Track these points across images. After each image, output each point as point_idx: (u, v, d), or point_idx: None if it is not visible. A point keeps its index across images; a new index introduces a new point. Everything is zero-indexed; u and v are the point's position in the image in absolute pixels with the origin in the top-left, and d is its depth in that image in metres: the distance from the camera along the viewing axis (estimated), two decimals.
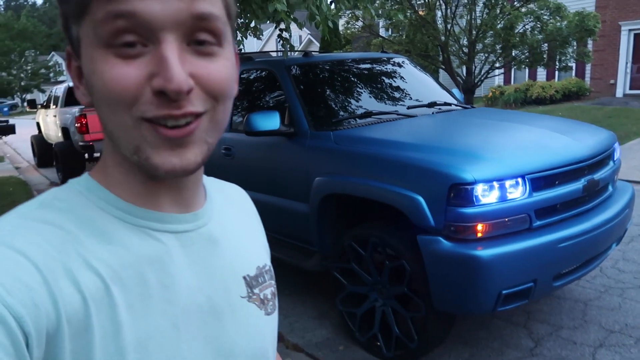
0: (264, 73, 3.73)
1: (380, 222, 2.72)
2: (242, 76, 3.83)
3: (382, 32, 13.93)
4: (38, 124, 11.27)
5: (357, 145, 2.80)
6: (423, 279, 2.44)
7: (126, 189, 0.55)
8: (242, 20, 4.63)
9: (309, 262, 3.14)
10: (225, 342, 0.57)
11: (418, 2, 11.44)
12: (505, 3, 10.46)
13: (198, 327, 0.54)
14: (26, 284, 0.43)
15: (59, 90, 10.12)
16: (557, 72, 15.78)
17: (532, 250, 2.33)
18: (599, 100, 14.84)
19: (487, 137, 2.71)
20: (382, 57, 4.05)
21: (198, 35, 0.49)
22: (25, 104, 16.97)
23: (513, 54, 10.96)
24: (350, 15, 11.62)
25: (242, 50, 5.34)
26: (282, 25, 4.26)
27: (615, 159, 2.97)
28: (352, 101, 3.39)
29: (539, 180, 2.41)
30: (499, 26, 9.82)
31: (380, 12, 9.12)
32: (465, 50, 11.38)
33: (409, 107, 3.39)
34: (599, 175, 2.69)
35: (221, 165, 3.70)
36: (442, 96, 3.77)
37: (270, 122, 3.03)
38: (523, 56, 10.95)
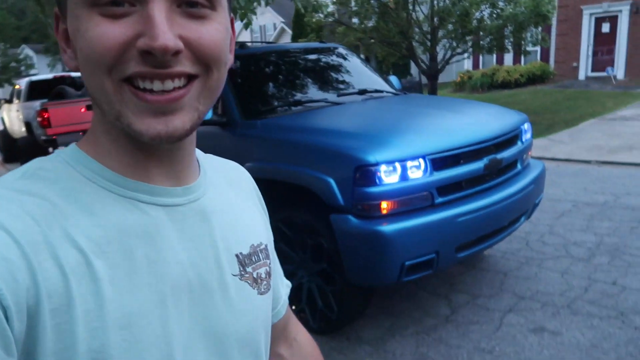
0: None
1: (302, 204, 2.91)
2: None
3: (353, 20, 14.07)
4: (2, 119, 11.20)
5: (278, 133, 2.98)
6: (338, 255, 2.65)
7: (115, 159, 0.53)
8: None
9: None
10: (215, 320, 0.55)
11: None
12: None
13: (187, 304, 0.52)
14: (5, 258, 0.42)
15: (22, 83, 10.08)
16: (522, 57, 16.15)
17: (433, 225, 2.55)
18: (561, 83, 15.25)
19: (397, 122, 2.91)
20: (320, 47, 4.22)
21: None
22: None
23: (468, 40, 11.22)
24: (314, 3, 11.71)
25: None
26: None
27: (524, 139, 3.20)
28: (284, 91, 3.57)
29: (440, 161, 2.63)
30: (457, 13, 10.05)
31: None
32: (429, 36, 11.59)
33: (339, 95, 3.57)
34: (502, 154, 2.92)
35: None
36: (376, 84, 3.96)
37: None
38: (483, 42, 11.22)
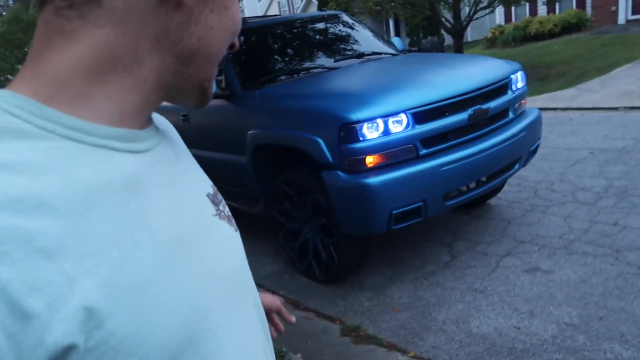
0: None
1: (298, 165, 3.13)
2: None
3: None
4: None
5: (274, 100, 3.18)
6: (332, 209, 2.86)
7: (95, 109, 0.46)
8: None
9: (256, 207, 3.59)
10: (211, 263, 0.53)
11: None
12: None
13: (187, 254, 0.49)
14: None
15: None
16: (557, 5, 15.45)
17: (417, 175, 2.71)
18: (598, 30, 14.53)
19: (383, 81, 3.05)
20: (320, 16, 4.34)
21: None
22: None
23: None
24: None
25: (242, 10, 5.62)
26: None
27: (514, 88, 3.26)
28: (281, 61, 3.75)
29: (422, 114, 2.76)
30: None
31: None
32: None
33: (336, 61, 3.72)
34: (489, 104, 3.01)
35: (180, 130, 4.12)
36: (375, 47, 4.07)
37: None
38: None
